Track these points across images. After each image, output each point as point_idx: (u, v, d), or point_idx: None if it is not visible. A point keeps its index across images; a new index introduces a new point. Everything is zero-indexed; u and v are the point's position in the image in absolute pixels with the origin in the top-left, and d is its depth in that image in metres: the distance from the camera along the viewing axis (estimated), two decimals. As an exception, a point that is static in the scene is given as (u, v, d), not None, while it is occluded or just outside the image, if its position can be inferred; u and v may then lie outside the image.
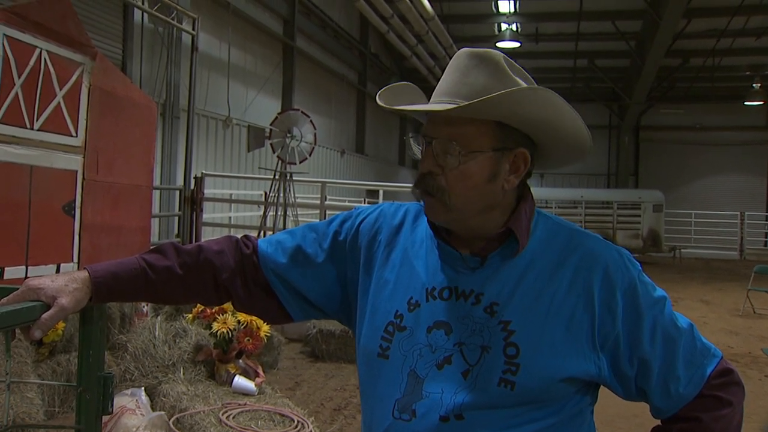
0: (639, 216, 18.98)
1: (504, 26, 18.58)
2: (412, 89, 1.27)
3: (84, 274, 1.19)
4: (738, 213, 19.81)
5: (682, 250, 19.79)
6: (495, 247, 1.20)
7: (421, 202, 1.24)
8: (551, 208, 19.75)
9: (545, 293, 1.17)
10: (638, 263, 1.25)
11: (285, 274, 1.32)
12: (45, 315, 1.10)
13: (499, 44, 18.80)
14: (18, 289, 1.14)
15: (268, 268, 1.32)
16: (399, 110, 1.24)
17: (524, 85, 1.17)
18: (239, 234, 1.55)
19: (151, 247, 1.35)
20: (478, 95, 1.12)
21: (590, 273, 1.18)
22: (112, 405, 1.28)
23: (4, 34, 4.47)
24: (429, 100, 1.23)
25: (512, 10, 17.67)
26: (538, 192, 21.26)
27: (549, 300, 1.16)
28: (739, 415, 1.23)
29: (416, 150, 1.23)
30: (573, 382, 1.17)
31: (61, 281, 1.15)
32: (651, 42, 15.60)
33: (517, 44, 18.77)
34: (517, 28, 18.70)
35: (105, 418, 1.31)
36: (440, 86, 1.19)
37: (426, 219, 1.26)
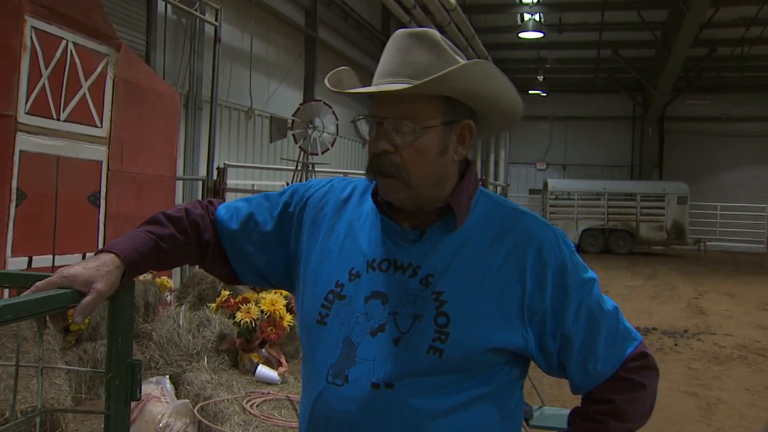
0: (663, 208, 18.78)
1: (527, 16, 18.38)
2: (350, 73, 1.31)
3: (111, 255, 1.20)
4: (765, 206, 19.50)
5: (707, 243, 19.51)
6: (434, 220, 1.24)
7: (373, 182, 1.28)
8: (573, 199, 19.61)
9: (480, 267, 1.21)
10: (572, 244, 1.29)
11: (236, 240, 1.37)
12: (84, 300, 1.12)
13: (522, 35, 18.64)
14: (47, 276, 1.15)
15: (221, 233, 1.38)
16: (350, 93, 1.26)
17: (462, 60, 1.21)
18: None
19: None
20: (423, 73, 1.17)
21: (525, 250, 1.22)
22: (140, 391, 1.29)
23: (32, 26, 4.52)
24: (370, 83, 1.26)
25: (535, 0, 17.49)
26: (560, 184, 21.22)
27: (483, 273, 1.20)
28: (651, 397, 1.28)
29: (365, 132, 1.28)
30: (501, 352, 1.20)
31: (92, 266, 1.16)
32: (677, 32, 15.35)
33: (540, 35, 18.58)
34: (540, 18, 18.49)
35: (132, 405, 1.33)
36: (383, 67, 1.23)
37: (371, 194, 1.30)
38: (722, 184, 23.04)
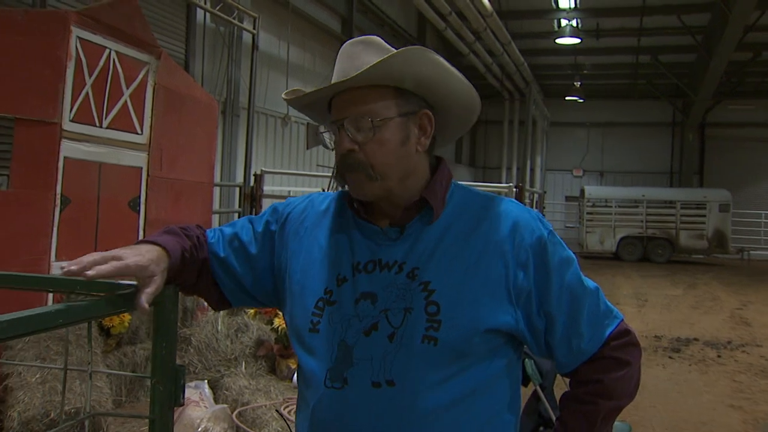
0: (704, 216, 18.36)
1: (564, 22, 18.19)
2: (309, 90, 1.35)
3: (163, 253, 1.22)
4: (812, 214, 18.93)
5: (751, 252, 19.02)
6: (412, 216, 1.27)
7: (346, 187, 1.32)
8: (610, 206, 19.31)
9: (462, 253, 1.23)
10: (549, 224, 1.31)
11: (223, 262, 1.38)
12: (149, 290, 1.14)
13: (559, 41, 18.45)
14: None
15: (210, 255, 1.39)
16: (304, 97, 1.31)
17: None
18: None
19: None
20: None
21: (503, 232, 1.25)
22: (183, 396, 1.29)
23: (77, 36, 4.62)
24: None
25: (572, 5, 17.29)
26: (597, 191, 20.88)
27: (466, 259, 1.23)
28: (636, 373, 1.32)
29: (330, 143, 1.31)
30: (495, 334, 1.22)
31: (152, 258, 1.18)
32: (720, 36, 15.01)
33: (577, 40, 18.37)
34: (577, 24, 18.29)
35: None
36: (334, 76, 1.28)
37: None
38: (767, 191, 22.42)
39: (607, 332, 1.28)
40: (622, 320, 1.32)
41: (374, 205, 1.30)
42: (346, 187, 1.31)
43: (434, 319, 1.18)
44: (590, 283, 1.30)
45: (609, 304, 1.32)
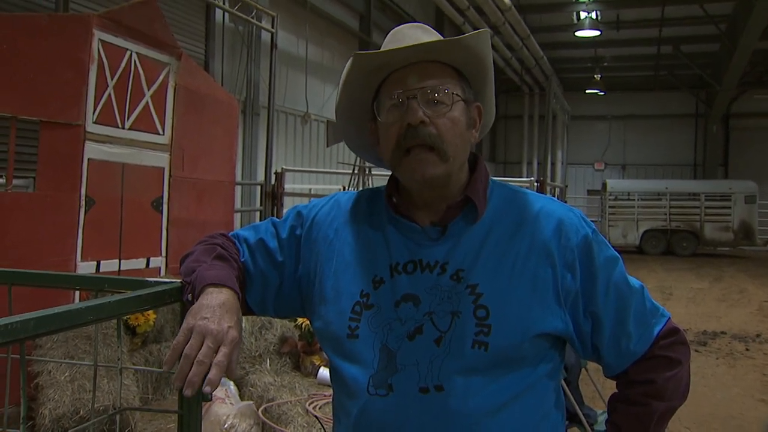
0: (729, 208, 18.12)
1: (583, 14, 18.03)
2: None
3: (235, 300, 1.16)
4: (841, 204, 18.57)
5: (779, 244, 18.71)
6: (455, 215, 1.21)
7: (382, 188, 1.27)
8: (633, 200, 19.12)
9: (508, 254, 1.19)
10: (592, 222, 1.27)
11: (252, 277, 1.31)
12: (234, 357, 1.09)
13: (578, 33, 18.28)
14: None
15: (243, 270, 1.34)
16: (378, 55, 1.19)
17: None
18: None
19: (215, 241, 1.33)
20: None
21: (548, 232, 1.20)
22: (211, 393, 1.30)
23: (99, 39, 4.67)
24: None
25: (592, -3, 17.15)
26: (619, 184, 20.64)
27: (512, 260, 1.19)
28: (687, 373, 1.28)
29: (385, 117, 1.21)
30: (545, 338, 1.18)
31: (236, 319, 1.12)
32: (744, 24, 14.78)
33: (597, 32, 18.20)
34: (597, 15, 18.12)
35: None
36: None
37: (382, 199, 1.27)
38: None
39: (656, 331, 1.24)
40: (670, 318, 1.28)
41: (414, 201, 1.24)
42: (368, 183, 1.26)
43: (484, 323, 1.14)
44: (635, 281, 1.27)
45: (655, 302, 1.28)
